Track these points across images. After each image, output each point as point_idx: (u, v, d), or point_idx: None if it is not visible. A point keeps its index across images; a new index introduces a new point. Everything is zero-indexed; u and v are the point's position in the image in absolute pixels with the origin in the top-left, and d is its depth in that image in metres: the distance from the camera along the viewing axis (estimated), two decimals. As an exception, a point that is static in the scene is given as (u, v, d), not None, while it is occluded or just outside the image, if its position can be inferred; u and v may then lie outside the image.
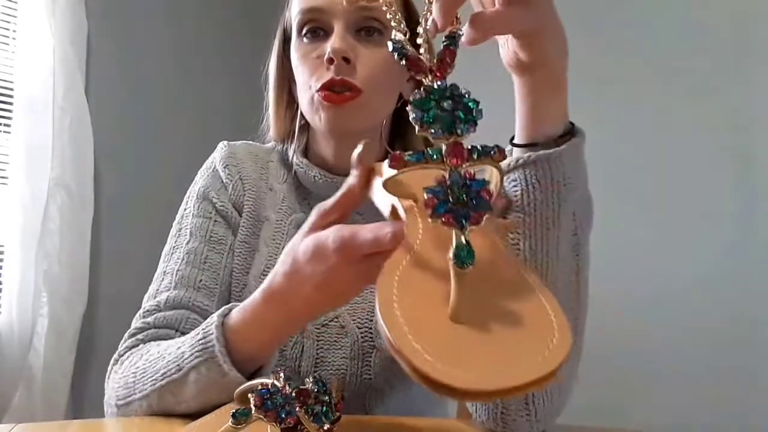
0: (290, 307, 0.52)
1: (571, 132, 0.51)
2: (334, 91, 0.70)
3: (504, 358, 0.31)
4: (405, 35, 0.40)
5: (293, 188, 0.81)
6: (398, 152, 0.36)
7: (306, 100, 0.74)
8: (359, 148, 0.48)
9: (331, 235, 0.45)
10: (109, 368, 0.68)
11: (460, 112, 0.36)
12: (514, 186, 0.50)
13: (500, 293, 0.36)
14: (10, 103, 1.97)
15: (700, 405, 1.45)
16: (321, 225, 0.49)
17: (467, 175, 0.34)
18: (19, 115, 1.94)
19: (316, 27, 0.73)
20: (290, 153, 0.81)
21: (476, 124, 0.36)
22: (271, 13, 0.84)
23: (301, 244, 0.48)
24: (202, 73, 2.45)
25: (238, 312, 0.56)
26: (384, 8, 0.43)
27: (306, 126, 0.80)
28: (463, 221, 0.33)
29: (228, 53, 2.49)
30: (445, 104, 0.36)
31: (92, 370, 1.95)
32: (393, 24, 0.42)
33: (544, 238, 0.50)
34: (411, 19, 0.76)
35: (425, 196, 0.34)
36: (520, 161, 0.49)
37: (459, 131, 0.35)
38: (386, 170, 0.38)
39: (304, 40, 0.74)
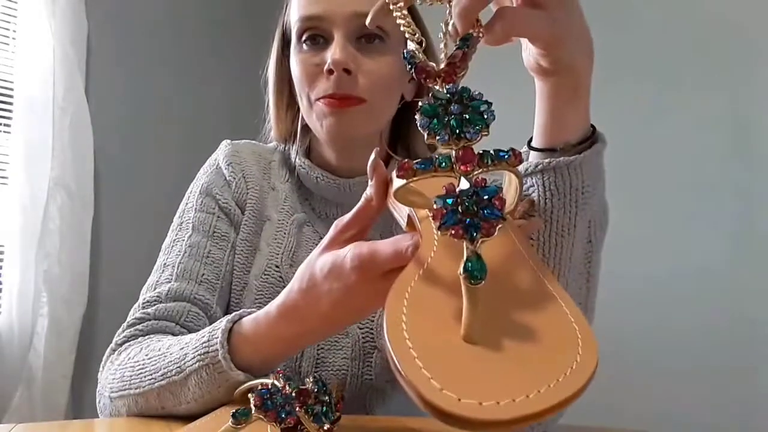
0: (306, 323, 0.51)
1: (590, 137, 0.49)
2: (336, 99, 0.70)
3: (522, 382, 0.28)
4: (421, 44, 0.39)
5: (295, 188, 0.81)
6: (406, 161, 0.34)
7: (305, 107, 0.74)
8: (372, 158, 0.46)
9: (349, 253, 0.44)
10: (105, 357, 0.68)
11: (468, 115, 0.34)
12: (531, 191, 0.49)
13: (518, 307, 0.33)
14: (10, 103, 1.97)
15: (700, 405, 1.45)
16: (340, 240, 0.47)
17: (478, 183, 0.32)
18: (19, 115, 1.94)
19: (315, 34, 0.72)
20: (292, 154, 0.81)
21: (488, 127, 0.34)
22: (271, 14, 0.84)
23: (318, 260, 0.47)
24: (202, 73, 2.45)
25: (250, 322, 0.55)
26: (399, 21, 0.41)
27: (308, 127, 0.79)
28: (473, 233, 0.31)
29: (228, 53, 2.49)
30: (454, 108, 0.34)
31: (92, 370, 1.94)
32: (407, 35, 0.40)
33: (558, 245, 0.49)
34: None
35: (434, 207, 0.32)
36: (539, 167, 0.48)
37: (468, 136, 0.33)
38: (395, 180, 0.35)
39: (304, 47, 0.73)
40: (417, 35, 0.40)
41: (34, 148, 1.93)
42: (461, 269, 0.31)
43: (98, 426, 0.63)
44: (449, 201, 0.32)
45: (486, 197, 0.31)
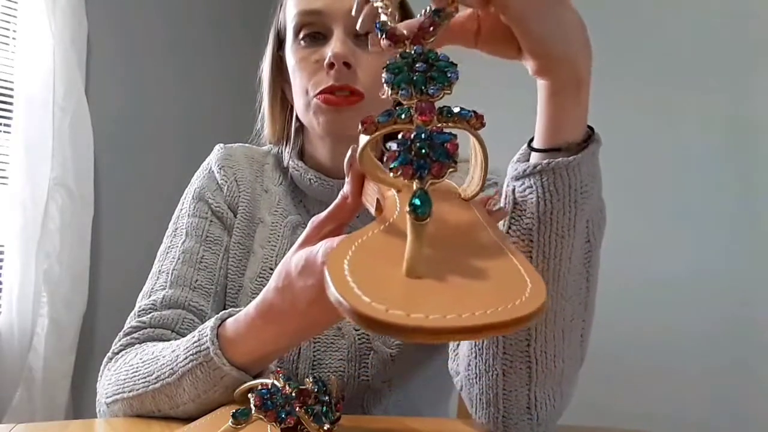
0: (285, 323, 0.51)
1: (588, 136, 0.49)
2: (334, 95, 0.70)
3: (458, 304, 0.29)
4: (395, 18, 0.40)
5: (289, 191, 0.80)
6: (370, 116, 0.35)
7: (303, 104, 0.73)
8: (349, 154, 0.46)
9: (320, 248, 0.44)
10: (102, 367, 0.68)
11: (433, 73, 0.35)
12: (530, 192, 0.48)
13: (468, 253, 0.34)
14: (10, 103, 1.97)
15: (700, 405, 1.46)
16: (316, 237, 0.47)
17: (433, 130, 0.33)
18: (19, 115, 1.94)
19: (314, 31, 0.72)
20: (285, 156, 0.81)
21: (450, 85, 0.35)
22: (270, 14, 0.84)
23: (293, 258, 0.48)
24: (202, 73, 2.45)
25: (232, 323, 0.55)
26: (377, 4, 0.42)
27: (301, 128, 0.79)
28: (423, 173, 0.32)
29: (228, 53, 2.49)
30: (419, 66, 0.35)
31: (92, 370, 1.95)
32: (380, 9, 0.40)
33: (558, 245, 0.48)
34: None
35: (388, 150, 0.33)
36: (538, 168, 0.47)
37: (430, 92, 0.34)
38: (361, 138, 0.36)
39: (302, 43, 0.73)
40: (390, 10, 0.40)
41: (34, 148, 1.93)
42: (407, 206, 0.31)
43: (98, 426, 0.63)
44: (404, 144, 0.32)
45: (439, 141, 0.32)
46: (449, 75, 0.35)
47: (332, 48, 0.69)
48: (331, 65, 0.69)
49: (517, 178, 0.49)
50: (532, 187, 0.48)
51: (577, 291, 0.51)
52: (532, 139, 0.50)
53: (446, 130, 0.33)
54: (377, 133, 0.35)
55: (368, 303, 0.28)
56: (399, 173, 0.32)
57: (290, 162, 0.79)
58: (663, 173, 1.59)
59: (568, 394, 0.55)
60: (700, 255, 1.50)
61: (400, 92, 0.34)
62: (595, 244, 0.51)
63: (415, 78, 0.34)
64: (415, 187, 0.32)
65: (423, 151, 0.32)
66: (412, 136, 0.32)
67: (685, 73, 1.57)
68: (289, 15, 0.75)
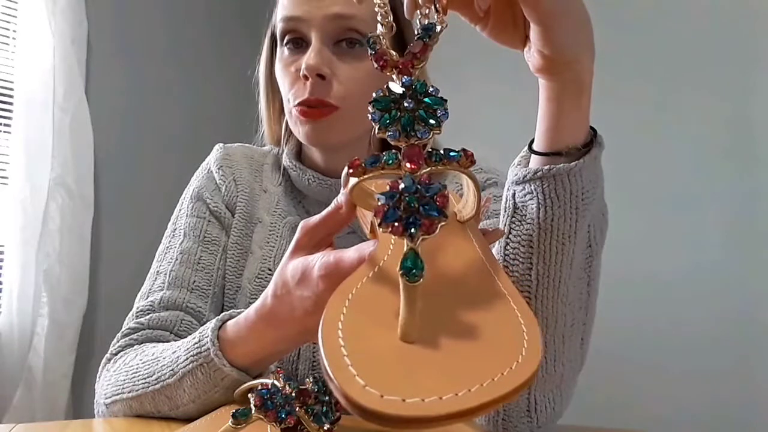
0: (284, 328, 0.51)
1: (590, 140, 0.48)
2: (310, 107, 0.70)
3: (454, 379, 0.27)
4: (392, 29, 0.38)
5: (288, 191, 0.80)
6: (357, 159, 0.34)
7: (287, 112, 0.74)
8: (345, 170, 0.46)
9: (317, 261, 0.44)
10: (101, 368, 0.68)
11: (421, 111, 0.33)
12: (530, 199, 0.48)
13: (464, 306, 0.32)
14: (10, 103, 1.97)
15: (700, 405, 1.45)
16: (306, 243, 0.47)
17: (422, 180, 0.31)
18: (19, 115, 1.94)
19: (296, 37, 0.72)
20: (283, 156, 0.81)
21: (440, 126, 0.33)
22: (269, 15, 0.84)
23: (289, 266, 0.47)
24: (202, 73, 2.45)
25: (233, 325, 0.55)
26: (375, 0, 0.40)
27: None
28: (413, 230, 0.30)
29: (228, 53, 2.49)
30: (407, 104, 0.33)
31: (92, 370, 1.94)
32: (379, 17, 0.39)
33: (559, 252, 0.48)
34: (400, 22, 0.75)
35: (378, 204, 0.31)
36: (538, 174, 0.46)
37: (419, 134, 0.33)
38: (350, 180, 0.35)
39: (285, 50, 0.73)
40: (389, 19, 0.39)
41: (34, 148, 1.93)
42: (398, 267, 0.30)
43: (98, 426, 0.63)
44: (393, 198, 0.31)
45: (428, 194, 0.31)
46: (439, 114, 0.33)
47: (306, 59, 0.69)
48: (305, 77, 0.69)
49: (517, 183, 0.49)
50: (532, 193, 0.47)
51: (577, 296, 0.51)
52: (533, 141, 0.50)
53: (435, 180, 0.31)
54: (364, 177, 0.34)
55: (362, 388, 0.26)
56: (389, 230, 0.30)
57: (287, 162, 0.79)
58: (663, 172, 1.59)
59: (567, 396, 0.55)
60: (700, 254, 1.50)
61: (387, 132, 0.33)
62: (596, 248, 0.51)
63: (402, 119, 0.33)
64: (405, 247, 0.30)
65: (412, 205, 0.30)
66: (401, 187, 0.31)
67: (686, 72, 1.57)
68: (277, 20, 0.75)
